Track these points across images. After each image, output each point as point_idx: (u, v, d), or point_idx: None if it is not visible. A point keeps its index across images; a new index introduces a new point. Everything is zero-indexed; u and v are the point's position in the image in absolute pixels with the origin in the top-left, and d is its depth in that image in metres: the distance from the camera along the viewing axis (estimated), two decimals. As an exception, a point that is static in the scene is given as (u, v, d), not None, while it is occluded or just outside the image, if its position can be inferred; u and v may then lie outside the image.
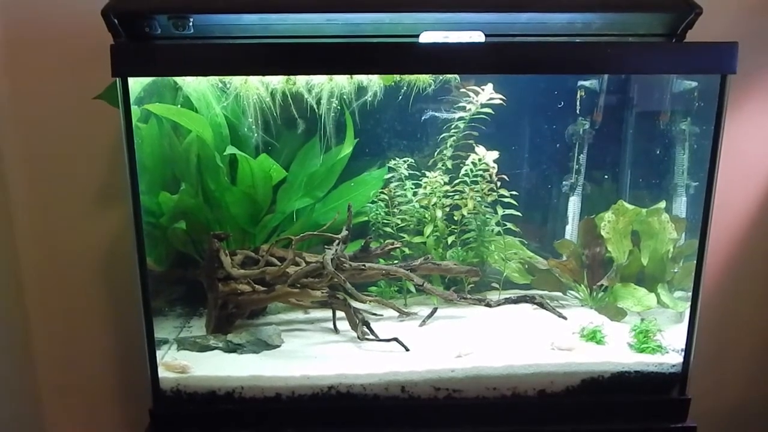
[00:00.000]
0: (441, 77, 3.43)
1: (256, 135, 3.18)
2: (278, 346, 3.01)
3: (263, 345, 2.96)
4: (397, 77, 3.34)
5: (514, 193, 3.69)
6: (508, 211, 3.70)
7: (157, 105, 2.90)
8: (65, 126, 3.44)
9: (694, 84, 3.35)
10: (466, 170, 3.66)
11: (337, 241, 3.03)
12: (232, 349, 2.91)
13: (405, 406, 2.51)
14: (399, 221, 3.77)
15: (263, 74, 2.91)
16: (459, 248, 3.82)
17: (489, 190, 3.67)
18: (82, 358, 3.73)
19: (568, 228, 3.93)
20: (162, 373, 2.68)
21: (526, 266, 3.87)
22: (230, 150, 3.00)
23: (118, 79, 2.27)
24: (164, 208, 3.01)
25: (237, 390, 2.55)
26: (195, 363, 2.79)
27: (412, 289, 3.76)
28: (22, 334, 3.42)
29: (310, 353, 2.92)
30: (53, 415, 3.73)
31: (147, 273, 2.42)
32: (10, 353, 3.46)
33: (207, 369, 2.75)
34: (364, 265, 3.03)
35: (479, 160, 3.60)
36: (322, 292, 3.03)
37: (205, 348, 2.92)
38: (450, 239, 3.75)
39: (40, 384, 3.69)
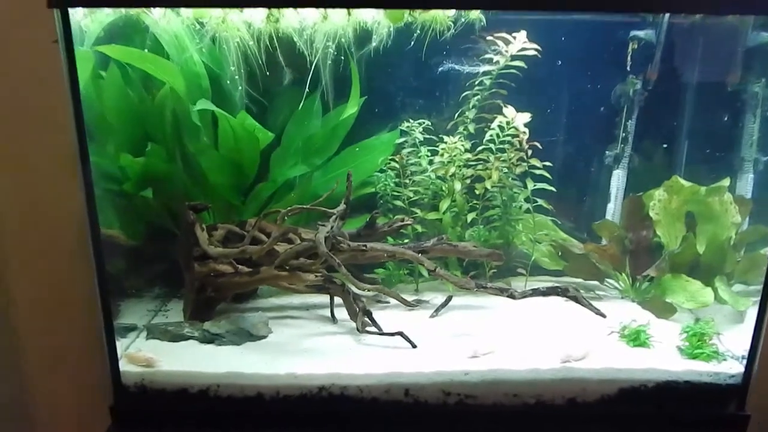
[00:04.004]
0: (462, 17, 3.18)
1: (240, 89, 2.99)
2: (264, 337, 2.89)
3: (246, 335, 2.84)
4: (407, 16, 3.11)
5: (547, 164, 3.47)
6: (539, 185, 3.51)
7: (114, 47, 2.70)
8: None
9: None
10: (491, 135, 3.45)
11: (333, 217, 2.85)
12: (210, 339, 2.80)
13: (408, 413, 2.47)
14: (411, 194, 3.62)
15: (231, 4, 2.67)
16: (480, 227, 3.65)
17: (518, 160, 3.46)
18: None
19: (610, 207, 3.77)
20: (125, 365, 2.56)
21: (559, 250, 3.72)
22: (203, 104, 2.81)
23: (55, 12, 2.08)
24: (130, 173, 2.84)
25: (212, 388, 2.48)
26: (165, 354, 2.68)
27: (425, 272, 3.59)
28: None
29: (301, 346, 2.80)
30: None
31: (101, 247, 2.29)
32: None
33: (179, 362, 2.64)
34: (365, 246, 2.86)
35: (507, 123, 3.38)
36: (317, 276, 2.87)
37: (178, 337, 2.80)
38: (470, 216, 3.57)
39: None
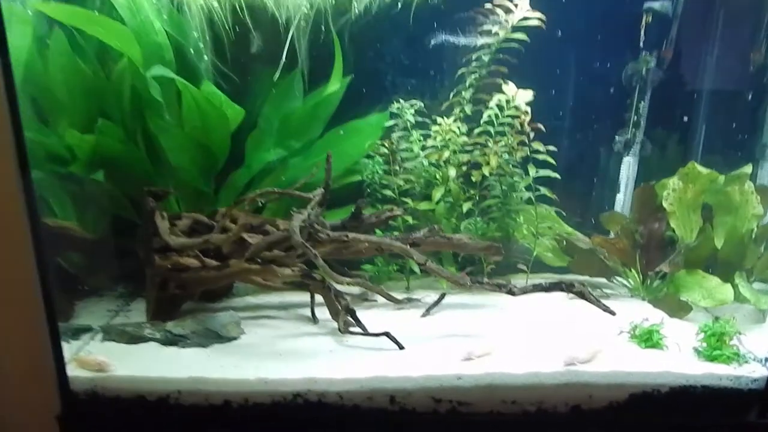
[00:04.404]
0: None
1: (206, 59, 2.81)
2: (235, 339, 2.74)
3: (214, 336, 2.69)
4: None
5: (551, 148, 3.30)
6: (542, 173, 3.35)
7: (54, 5, 2.47)
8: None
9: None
10: (489, 116, 3.27)
11: (311, 204, 2.68)
12: (172, 341, 2.64)
13: (394, 422, 2.37)
14: (402, 182, 3.47)
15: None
16: (477, 219, 3.49)
17: (519, 144, 3.29)
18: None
19: (620, 197, 3.68)
20: (74, 370, 2.40)
21: (563, 244, 3.58)
22: (159, 71, 2.62)
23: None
24: (79, 153, 2.66)
25: (173, 395, 2.35)
26: (121, 358, 2.52)
27: (417, 269, 3.48)
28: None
29: (276, 349, 2.66)
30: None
31: (41, 237, 2.10)
32: None
33: (136, 366, 2.48)
34: (346, 236, 2.69)
35: (507, 101, 3.20)
36: (294, 270, 2.70)
37: (137, 339, 2.64)
38: (465, 206, 3.41)
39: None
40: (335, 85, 2.98)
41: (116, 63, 2.77)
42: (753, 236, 3.28)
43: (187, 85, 2.66)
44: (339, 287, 2.80)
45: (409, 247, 2.76)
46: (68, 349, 2.50)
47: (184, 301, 2.84)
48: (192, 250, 2.62)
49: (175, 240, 2.57)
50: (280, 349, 2.65)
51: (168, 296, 2.75)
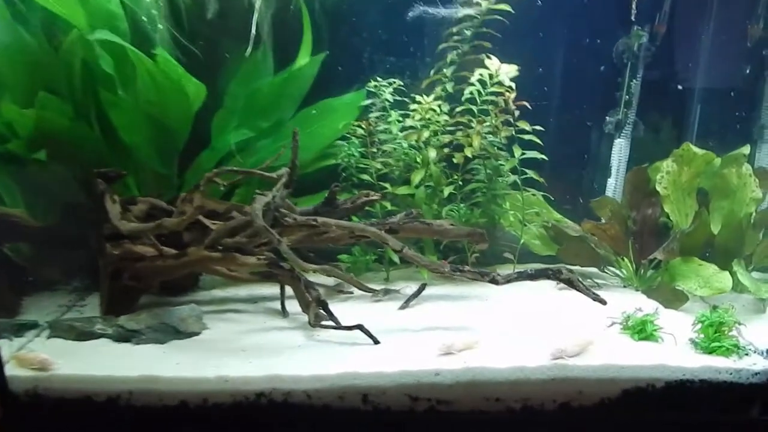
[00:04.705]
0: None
1: (159, 26, 2.66)
2: (195, 334, 2.62)
3: (171, 332, 2.56)
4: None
5: (538, 128, 3.20)
6: (529, 154, 3.25)
7: None
8: None
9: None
10: (471, 92, 3.15)
11: (277, 186, 2.54)
12: (125, 336, 2.51)
13: (367, 422, 2.28)
14: (380, 166, 3.37)
15: None
16: (460, 205, 3.40)
17: (503, 123, 3.19)
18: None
19: (611, 182, 3.63)
20: (13, 369, 2.26)
21: (552, 232, 3.52)
22: (103, 34, 2.46)
23: None
24: (19, 130, 2.49)
25: (123, 395, 2.24)
26: (68, 356, 2.38)
27: (396, 258, 3.38)
28: None
29: (239, 344, 2.56)
30: None
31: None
32: None
33: (83, 364, 2.33)
34: (315, 220, 2.56)
35: (490, 76, 3.07)
36: (259, 259, 2.56)
37: (86, 335, 2.51)
38: (447, 191, 3.32)
39: None
40: (304, 58, 2.87)
41: (66, 35, 2.61)
42: (751, 221, 3.22)
43: (140, 56, 2.52)
44: (311, 278, 2.68)
45: (384, 233, 2.62)
46: (9, 346, 2.38)
47: (141, 293, 2.71)
48: (144, 235, 2.48)
49: (125, 225, 2.43)
50: (244, 344, 2.55)
51: (122, 288, 2.62)
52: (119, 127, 2.61)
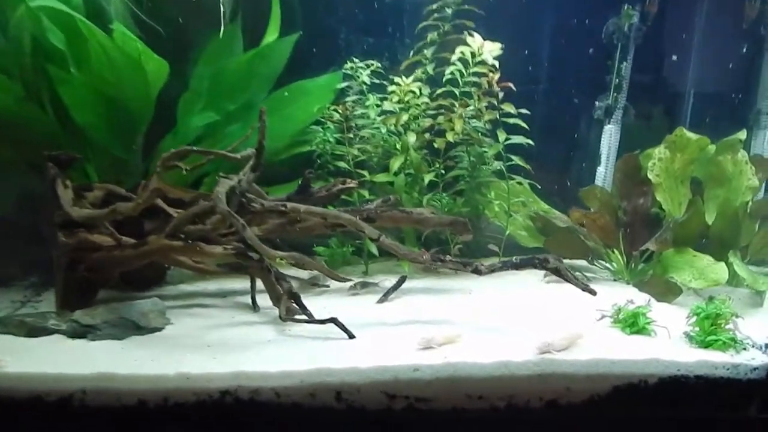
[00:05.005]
0: None
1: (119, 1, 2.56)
2: (158, 330, 2.54)
3: (131, 327, 2.48)
4: None
5: (524, 111, 3.15)
6: (514, 139, 3.20)
7: None
8: None
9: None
10: (452, 72, 3.08)
11: (244, 170, 2.45)
12: (81, 332, 2.42)
13: (341, 422, 2.22)
14: (357, 152, 3.31)
15: None
16: (442, 195, 3.34)
17: (487, 106, 3.12)
18: None
19: (600, 170, 3.61)
20: None
21: (538, 222, 3.46)
22: (45, 1, 2.35)
23: None
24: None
25: (77, 395, 2.14)
26: (18, 353, 2.29)
27: (376, 251, 3.33)
28: None
29: (204, 340, 2.48)
30: None
31: None
32: None
33: (34, 362, 2.25)
34: (284, 206, 2.48)
35: (473, 54, 3.00)
36: (225, 248, 2.47)
37: (38, 331, 2.42)
38: (427, 178, 3.26)
39: None
40: (272, 35, 2.79)
41: (14, 11, 2.50)
42: (748, 211, 3.20)
43: (93, 30, 2.42)
44: (285, 271, 2.61)
45: (360, 221, 2.53)
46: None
47: (99, 286, 2.62)
48: (100, 223, 2.37)
49: (78, 212, 2.32)
50: (209, 340, 2.47)
51: (78, 280, 2.53)
52: (70, 107, 2.51)
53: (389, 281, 3.10)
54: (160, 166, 2.26)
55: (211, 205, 2.37)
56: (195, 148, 2.40)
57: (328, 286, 3.16)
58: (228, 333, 2.55)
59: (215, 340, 2.47)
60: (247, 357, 2.31)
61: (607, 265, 3.48)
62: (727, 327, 2.48)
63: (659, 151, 3.21)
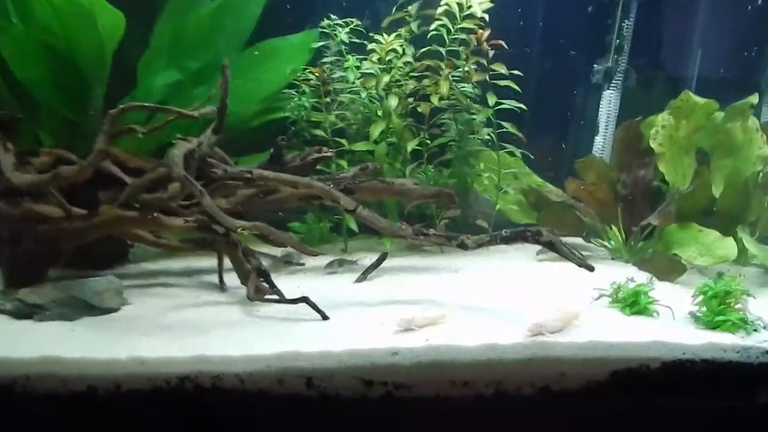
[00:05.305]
0: None
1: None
2: (113, 310, 2.45)
3: (83, 307, 2.37)
4: None
5: (516, 72, 3.05)
6: (505, 103, 3.10)
7: None
8: None
9: None
10: (437, 29, 2.97)
11: (206, 132, 2.32)
12: (27, 313, 2.32)
13: (312, 411, 2.16)
14: (335, 119, 3.21)
15: None
16: (427, 166, 3.24)
17: (474, 66, 3.02)
18: None
19: (598, 139, 3.54)
20: None
21: (531, 197, 3.41)
22: None
23: None
24: None
25: (19, 381, 2.06)
26: None
27: (356, 227, 3.26)
28: None
29: (163, 322, 2.40)
30: None
31: None
32: None
33: None
34: (249, 172, 2.36)
35: (461, 7, 2.89)
36: (186, 220, 2.37)
37: None
38: (411, 146, 3.16)
39: None
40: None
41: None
42: (758, 182, 3.12)
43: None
44: (261, 250, 2.49)
45: (335, 190, 2.41)
46: None
47: (48, 262, 2.53)
48: (46, 191, 2.24)
49: (18, 177, 2.19)
50: (169, 321, 2.40)
51: (24, 255, 2.42)
52: (9, 59, 2.38)
53: (369, 259, 3.04)
54: (107, 123, 2.12)
55: (167, 171, 2.23)
56: (146, 104, 2.25)
57: (302, 265, 3.09)
58: (190, 314, 2.48)
59: (176, 322, 2.40)
60: (209, 340, 2.23)
61: (605, 243, 3.42)
62: (736, 306, 2.42)
63: (662, 118, 3.13)
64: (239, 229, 2.23)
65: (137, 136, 2.30)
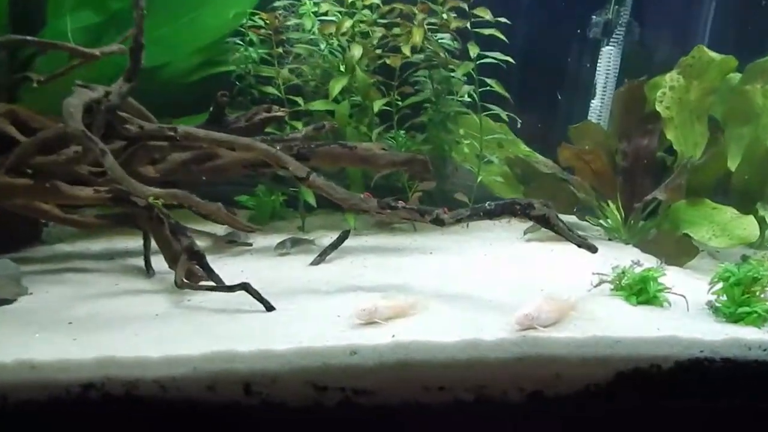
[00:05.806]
0: None
1: None
2: (7, 302, 2.30)
3: None
4: None
5: (502, 20, 2.90)
6: (488, 57, 2.94)
7: None
8: None
9: None
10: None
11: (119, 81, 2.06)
12: None
13: (252, 422, 2.03)
14: (289, 74, 3.03)
15: None
16: (398, 131, 3.08)
17: (451, 11, 2.86)
18: None
19: (595, 102, 3.42)
20: None
21: (517, 168, 3.29)
22: None
23: None
24: None
25: None
26: None
27: (314, 201, 3.10)
28: None
29: (69, 315, 2.23)
30: None
31: None
32: None
33: None
34: (173, 129, 2.14)
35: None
36: (98, 190, 2.16)
37: None
38: (378, 105, 2.99)
39: None
40: None
41: None
42: None
43: None
44: (203, 228, 2.32)
45: (282, 153, 2.17)
46: None
47: None
48: None
49: None
50: (74, 315, 2.25)
51: None
52: None
53: (329, 238, 2.91)
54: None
55: (64, 128, 1.95)
56: (34, 39, 1.98)
57: (250, 245, 2.96)
58: (102, 305, 2.32)
59: (82, 315, 2.25)
60: (122, 337, 2.07)
61: (601, 221, 3.32)
62: (762, 296, 2.30)
63: (671, 78, 3.01)
64: (152, 198, 1.98)
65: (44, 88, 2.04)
